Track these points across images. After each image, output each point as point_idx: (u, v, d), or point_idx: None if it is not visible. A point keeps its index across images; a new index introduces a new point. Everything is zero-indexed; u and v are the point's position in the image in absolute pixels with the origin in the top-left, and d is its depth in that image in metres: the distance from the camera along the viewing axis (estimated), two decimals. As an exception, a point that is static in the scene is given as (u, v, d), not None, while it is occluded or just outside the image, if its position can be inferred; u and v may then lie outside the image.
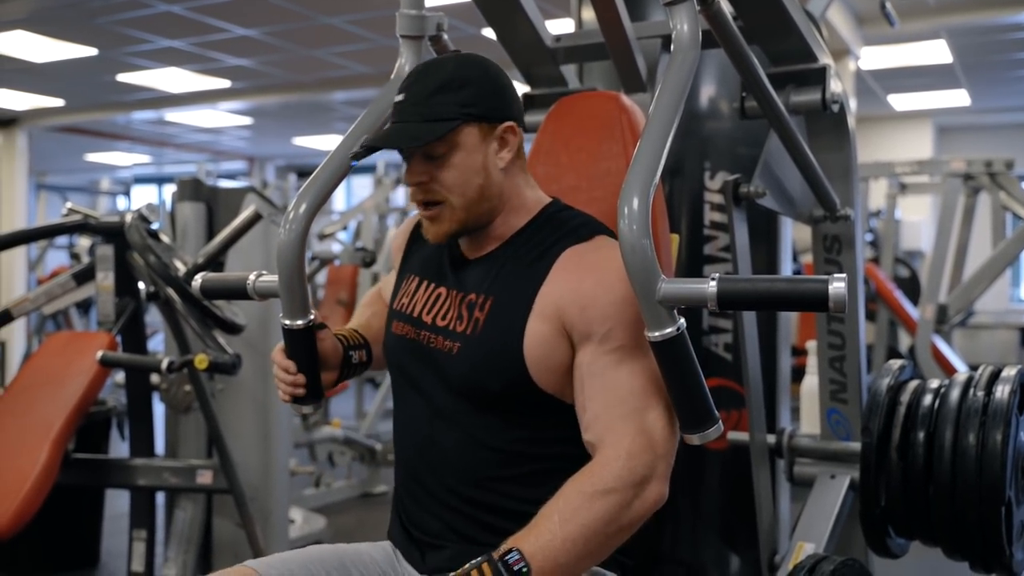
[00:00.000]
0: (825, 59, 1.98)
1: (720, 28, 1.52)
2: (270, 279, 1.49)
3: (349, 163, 1.49)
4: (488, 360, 1.43)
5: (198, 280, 1.57)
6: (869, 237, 7.46)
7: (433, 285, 1.55)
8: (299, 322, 1.46)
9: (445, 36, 1.70)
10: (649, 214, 1.16)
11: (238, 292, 1.53)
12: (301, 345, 1.49)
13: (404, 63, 1.59)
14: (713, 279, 1.15)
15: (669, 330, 1.17)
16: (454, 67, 1.44)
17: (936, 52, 7.94)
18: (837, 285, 1.10)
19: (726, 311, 1.98)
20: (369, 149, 1.42)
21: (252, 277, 1.51)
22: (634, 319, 1.35)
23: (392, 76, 1.58)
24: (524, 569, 1.27)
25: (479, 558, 1.30)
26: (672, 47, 1.31)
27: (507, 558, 1.28)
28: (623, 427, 1.35)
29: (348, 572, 1.47)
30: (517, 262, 1.47)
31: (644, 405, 1.35)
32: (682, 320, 1.18)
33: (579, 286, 1.39)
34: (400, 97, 1.43)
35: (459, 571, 1.30)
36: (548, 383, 1.42)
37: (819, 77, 1.96)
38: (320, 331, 1.52)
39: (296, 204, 1.43)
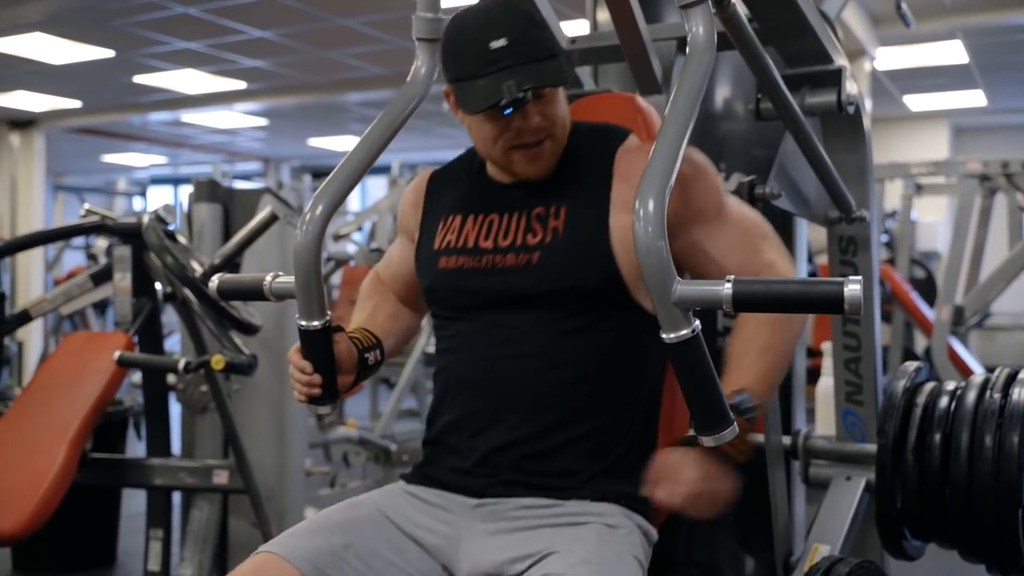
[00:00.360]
0: (840, 60, 1.98)
1: (735, 30, 1.52)
2: (286, 280, 1.49)
3: (366, 165, 1.50)
4: (579, 257, 1.49)
5: (215, 281, 1.57)
6: (885, 238, 7.42)
7: (481, 216, 1.59)
8: (315, 323, 1.46)
9: None
10: (664, 216, 1.17)
11: (254, 293, 1.53)
12: (318, 346, 1.49)
13: (420, 65, 1.59)
14: (728, 281, 1.15)
15: (684, 332, 1.17)
16: (517, 6, 1.50)
17: (952, 52, 7.90)
18: (852, 287, 1.10)
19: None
20: (521, 94, 1.42)
21: (268, 278, 1.51)
22: (713, 184, 1.55)
23: (408, 79, 1.57)
24: (752, 406, 1.39)
25: None
26: (688, 49, 1.31)
27: (739, 401, 1.38)
28: (767, 258, 1.53)
29: (357, 525, 1.49)
30: (574, 172, 1.56)
31: (765, 233, 1.57)
32: (697, 322, 1.18)
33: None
34: (501, 42, 1.43)
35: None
36: (634, 276, 1.47)
37: (835, 79, 1.95)
38: (336, 333, 1.53)
39: (312, 206, 1.44)
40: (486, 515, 1.50)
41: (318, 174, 12.95)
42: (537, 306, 1.51)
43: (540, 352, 1.50)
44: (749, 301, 1.16)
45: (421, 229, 1.68)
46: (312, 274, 1.43)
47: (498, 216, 1.57)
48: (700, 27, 1.30)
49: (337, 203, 1.46)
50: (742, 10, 1.53)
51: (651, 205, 1.16)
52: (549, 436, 1.49)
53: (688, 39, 1.31)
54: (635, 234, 1.17)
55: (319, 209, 1.43)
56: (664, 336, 1.18)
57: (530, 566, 1.38)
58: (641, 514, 1.51)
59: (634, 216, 1.17)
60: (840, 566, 1.85)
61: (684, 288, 1.16)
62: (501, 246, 1.54)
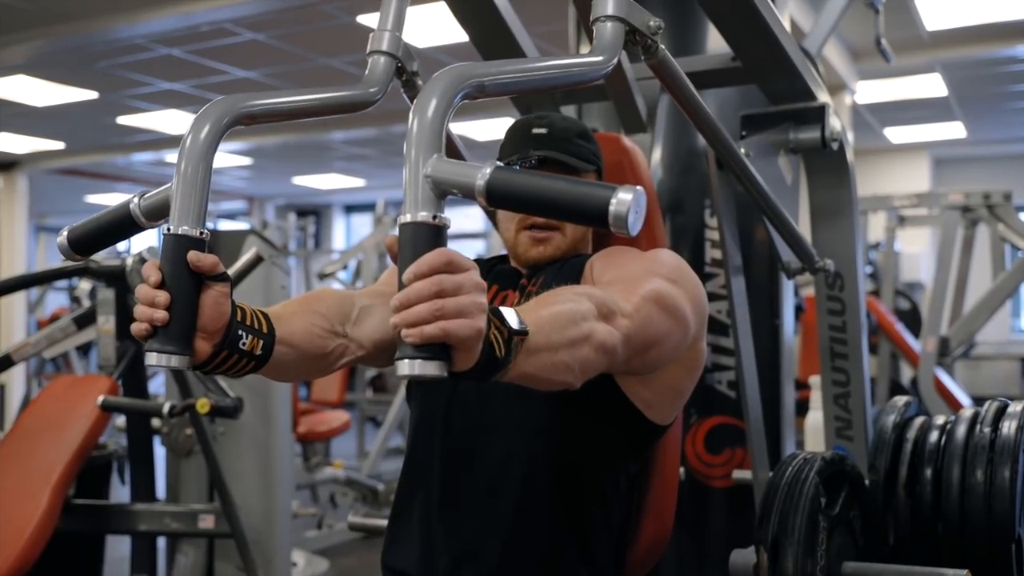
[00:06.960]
0: (823, 97, 1.99)
1: (668, 77, 1.46)
2: (158, 190, 1.21)
3: (291, 113, 1.35)
4: None
5: (62, 235, 1.27)
6: (869, 269, 7.46)
7: (506, 293, 1.60)
8: (185, 227, 1.13)
9: (420, 82, 1.69)
10: (450, 98, 1.05)
11: (121, 226, 1.24)
12: (181, 265, 1.12)
13: (374, 70, 1.58)
14: (490, 166, 1.02)
15: (424, 214, 1.00)
16: (581, 123, 1.66)
17: (931, 86, 8.00)
18: (622, 196, 0.96)
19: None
20: (536, 159, 1.55)
21: (136, 198, 1.22)
22: (672, 273, 1.43)
23: (363, 79, 1.57)
24: (521, 326, 1.12)
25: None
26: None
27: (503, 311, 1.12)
28: (641, 290, 1.35)
29: None
30: (562, 268, 1.58)
31: (641, 282, 1.37)
32: (449, 220, 1.02)
33: (611, 257, 1.53)
34: (543, 131, 1.59)
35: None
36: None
37: (818, 116, 1.96)
38: (216, 275, 1.15)
39: (215, 104, 1.24)
40: None
41: (303, 212, 12.95)
42: (514, 394, 1.40)
43: (508, 441, 1.47)
44: (505, 193, 1.02)
45: None
46: (200, 172, 1.20)
47: (498, 288, 1.59)
48: (607, 36, 1.23)
49: (243, 116, 1.26)
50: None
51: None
52: (517, 530, 1.45)
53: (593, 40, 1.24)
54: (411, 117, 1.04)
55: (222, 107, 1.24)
56: (400, 217, 1.02)
57: None
58: None
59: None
60: (813, 458, 1.79)
61: (441, 164, 1.02)
62: None
